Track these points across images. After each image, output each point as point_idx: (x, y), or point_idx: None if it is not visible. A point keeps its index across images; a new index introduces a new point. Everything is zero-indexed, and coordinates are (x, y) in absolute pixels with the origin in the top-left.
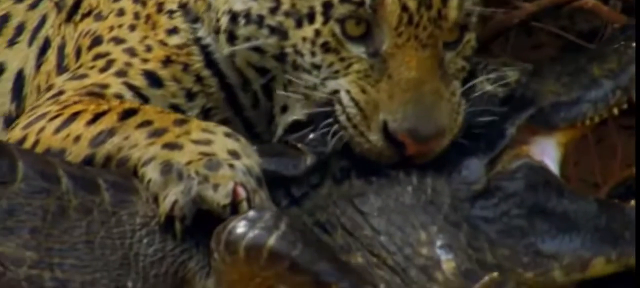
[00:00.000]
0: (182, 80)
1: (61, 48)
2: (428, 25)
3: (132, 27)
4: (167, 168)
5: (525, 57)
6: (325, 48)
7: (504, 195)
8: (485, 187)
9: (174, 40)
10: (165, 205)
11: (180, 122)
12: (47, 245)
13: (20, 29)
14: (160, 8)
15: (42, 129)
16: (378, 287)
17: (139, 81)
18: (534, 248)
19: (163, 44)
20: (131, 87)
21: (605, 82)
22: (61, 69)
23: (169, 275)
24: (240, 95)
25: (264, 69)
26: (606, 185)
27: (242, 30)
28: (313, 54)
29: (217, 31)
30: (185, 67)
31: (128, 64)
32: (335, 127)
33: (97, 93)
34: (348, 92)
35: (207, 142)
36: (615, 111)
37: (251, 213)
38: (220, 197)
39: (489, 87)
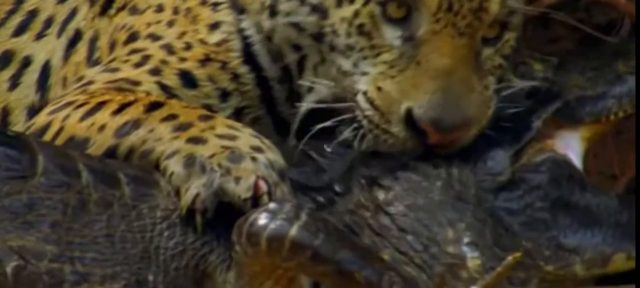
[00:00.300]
0: (218, 80)
1: (93, 40)
2: (468, 15)
3: (170, 23)
4: (190, 161)
5: (543, 50)
6: (360, 30)
7: (528, 187)
8: (510, 179)
9: (215, 37)
10: (186, 198)
11: (206, 118)
12: (68, 238)
13: (48, 22)
14: (204, 0)
15: (67, 117)
16: (404, 275)
17: (173, 81)
18: (556, 242)
19: (203, 42)
20: (163, 87)
21: (630, 78)
22: (91, 61)
23: (190, 268)
24: (275, 88)
25: (298, 47)
26: (624, 177)
27: (284, 6)
28: (348, 34)
29: (260, 11)
30: (223, 65)
31: (164, 62)
32: (361, 130)
33: (126, 89)
34: (364, 93)
35: (232, 137)
36: None
37: (272, 204)
38: (241, 190)
39: (516, 81)
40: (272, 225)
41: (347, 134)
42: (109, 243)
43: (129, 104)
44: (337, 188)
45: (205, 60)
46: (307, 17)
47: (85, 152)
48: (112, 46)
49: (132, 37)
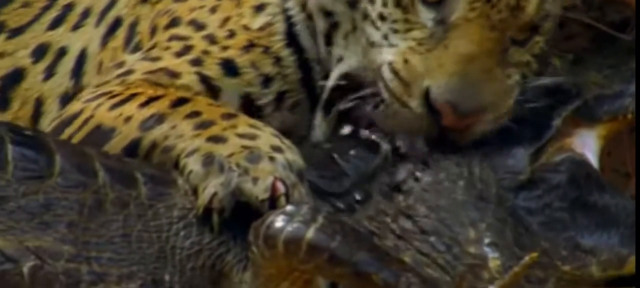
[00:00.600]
0: (261, 66)
1: (133, 26)
2: (504, 10)
3: (214, 9)
4: (208, 160)
5: (559, 47)
6: (397, 2)
7: (547, 187)
8: (530, 178)
9: (259, 21)
10: (204, 197)
11: (228, 116)
12: (84, 238)
13: (85, 14)
14: None
15: (98, 105)
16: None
17: (214, 71)
18: (573, 242)
19: (246, 28)
20: (204, 78)
21: None
22: (129, 46)
23: (206, 268)
24: (315, 69)
25: (331, 13)
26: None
27: None
28: (384, 4)
29: None
30: (266, 50)
31: (206, 52)
32: (377, 99)
33: (164, 83)
34: (390, 63)
35: (252, 137)
36: None
37: (289, 207)
38: (259, 191)
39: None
40: (289, 228)
41: (368, 111)
42: (125, 243)
43: (157, 98)
44: (357, 196)
45: (249, 47)
46: None
47: (110, 141)
48: (153, 31)
49: (174, 22)
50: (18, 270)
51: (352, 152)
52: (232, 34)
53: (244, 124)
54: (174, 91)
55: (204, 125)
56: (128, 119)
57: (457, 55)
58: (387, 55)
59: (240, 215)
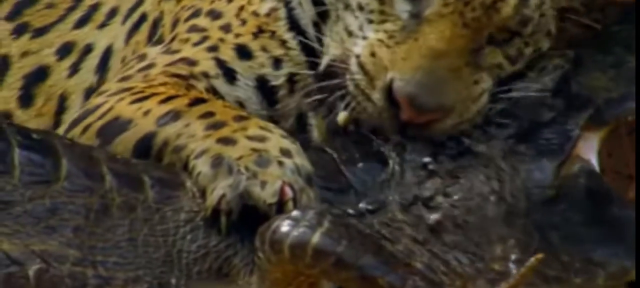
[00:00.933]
0: (270, 48)
1: (157, 21)
2: (477, 8)
3: None
4: (217, 161)
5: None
6: None
7: (569, 201)
8: (557, 193)
9: (265, 6)
10: (212, 199)
11: (240, 118)
12: (90, 243)
13: (112, 14)
14: None
15: (121, 99)
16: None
17: (229, 55)
18: (586, 255)
19: (255, 14)
20: (220, 63)
21: None
22: (151, 40)
23: (213, 271)
24: (317, 51)
25: (320, 2)
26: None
27: None
28: None
29: None
30: (272, 34)
31: (221, 40)
32: (347, 97)
33: (184, 74)
34: (357, 57)
35: (262, 139)
36: None
37: (295, 212)
38: (267, 195)
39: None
40: (295, 233)
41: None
42: (131, 247)
43: (177, 96)
44: (369, 206)
45: (258, 32)
46: None
47: (126, 132)
48: (175, 23)
49: (194, 14)
50: (24, 273)
51: (360, 165)
52: (244, 22)
53: (255, 126)
54: (194, 91)
55: (216, 126)
56: (146, 113)
57: (426, 49)
58: (357, 48)
59: (247, 219)
